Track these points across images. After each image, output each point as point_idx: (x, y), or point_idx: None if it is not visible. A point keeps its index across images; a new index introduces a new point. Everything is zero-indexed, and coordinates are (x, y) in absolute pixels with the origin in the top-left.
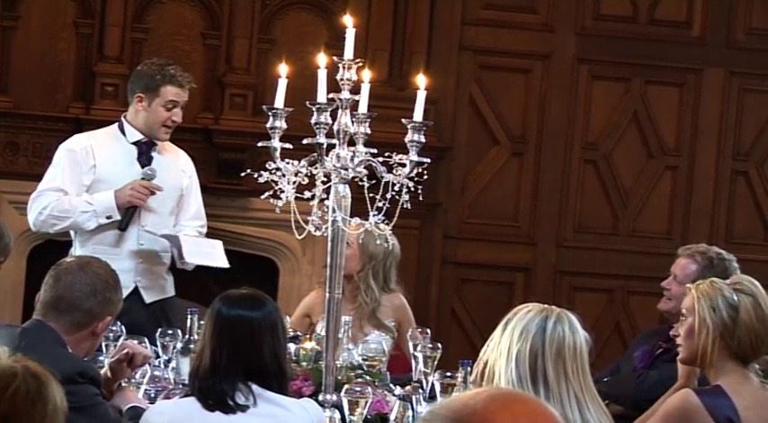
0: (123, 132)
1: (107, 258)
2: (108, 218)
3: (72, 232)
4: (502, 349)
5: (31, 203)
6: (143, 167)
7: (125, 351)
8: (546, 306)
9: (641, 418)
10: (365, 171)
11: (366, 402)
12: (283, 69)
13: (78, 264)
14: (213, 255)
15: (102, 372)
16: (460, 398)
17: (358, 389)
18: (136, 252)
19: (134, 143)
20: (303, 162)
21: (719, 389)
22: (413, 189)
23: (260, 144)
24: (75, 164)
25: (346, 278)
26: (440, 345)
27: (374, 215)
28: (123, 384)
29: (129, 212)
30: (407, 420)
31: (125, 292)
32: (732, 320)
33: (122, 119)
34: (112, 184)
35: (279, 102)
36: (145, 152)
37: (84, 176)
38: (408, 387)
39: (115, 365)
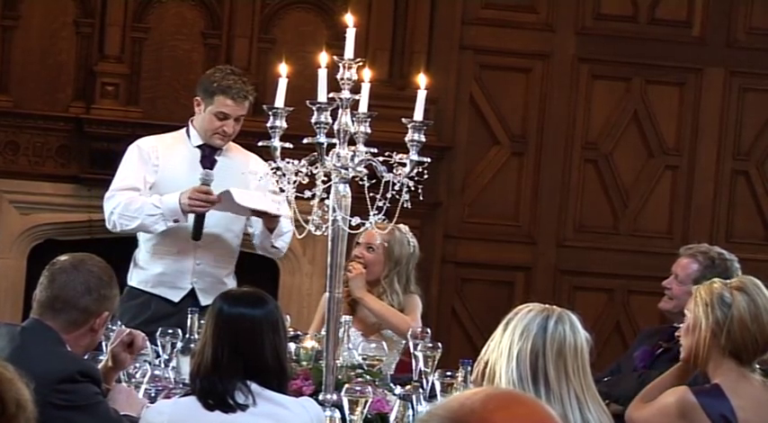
0: (189, 136)
1: (165, 258)
2: (175, 221)
3: (137, 233)
4: (503, 349)
5: (105, 204)
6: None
7: (127, 331)
8: (547, 306)
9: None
10: (365, 170)
11: (366, 402)
12: (284, 69)
13: (72, 262)
14: (269, 204)
15: (102, 364)
16: (458, 398)
17: (358, 388)
18: (194, 254)
19: (198, 146)
20: (303, 161)
21: (717, 388)
22: (413, 188)
23: (260, 143)
24: (142, 161)
25: (370, 283)
26: (440, 344)
27: (374, 214)
28: (115, 384)
29: (199, 221)
30: (408, 420)
31: (181, 294)
32: (724, 317)
33: (189, 122)
34: (174, 186)
35: (279, 101)
36: (208, 155)
37: (148, 175)
38: (409, 386)
39: (118, 350)
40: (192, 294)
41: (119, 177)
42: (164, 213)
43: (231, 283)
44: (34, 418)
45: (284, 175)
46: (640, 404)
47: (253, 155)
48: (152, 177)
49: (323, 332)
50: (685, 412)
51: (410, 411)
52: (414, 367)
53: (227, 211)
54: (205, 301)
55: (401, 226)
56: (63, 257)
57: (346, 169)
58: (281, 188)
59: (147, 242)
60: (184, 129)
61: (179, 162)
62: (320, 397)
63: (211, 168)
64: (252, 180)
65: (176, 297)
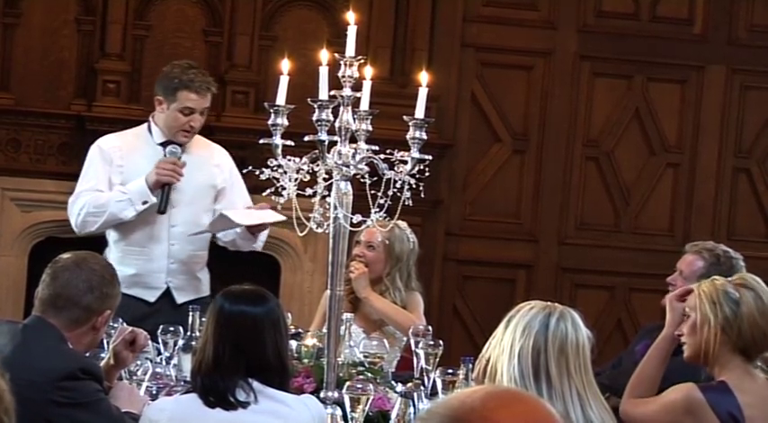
0: (151, 132)
1: (138, 260)
2: (144, 203)
3: (106, 233)
4: (504, 346)
5: (70, 208)
6: None
7: (129, 329)
8: (548, 303)
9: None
10: (367, 168)
11: (368, 399)
12: (285, 66)
13: (74, 260)
14: (264, 215)
15: (104, 362)
16: (458, 396)
17: (360, 386)
18: (167, 253)
19: (161, 144)
20: (305, 159)
21: (724, 385)
22: (414, 186)
23: (261, 141)
24: (105, 162)
25: (372, 281)
26: (441, 342)
27: (376, 212)
28: (117, 382)
29: (164, 193)
30: (409, 417)
31: (156, 294)
32: (734, 314)
33: (150, 119)
34: None
35: (280, 99)
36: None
37: (113, 176)
38: (410, 384)
39: (120, 349)
40: (167, 294)
41: (82, 180)
42: (131, 198)
43: (205, 277)
44: (13, 409)
45: (285, 172)
46: (634, 400)
47: (216, 146)
48: (117, 178)
49: (324, 330)
50: (692, 409)
51: (411, 409)
52: (415, 365)
53: (221, 229)
54: (181, 299)
55: (400, 223)
56: (65, 255)
57: (347, 167)
58: (283, 186)
59: (118, 243)
60: (146, 124)
61: (143, 161)
62: (322, 394)
63: None
64: (218, 174)
65: (152, 297)
